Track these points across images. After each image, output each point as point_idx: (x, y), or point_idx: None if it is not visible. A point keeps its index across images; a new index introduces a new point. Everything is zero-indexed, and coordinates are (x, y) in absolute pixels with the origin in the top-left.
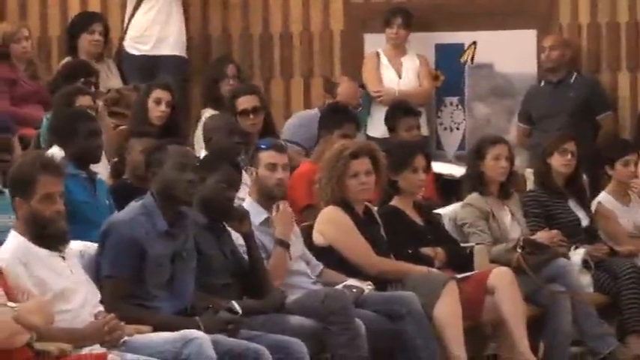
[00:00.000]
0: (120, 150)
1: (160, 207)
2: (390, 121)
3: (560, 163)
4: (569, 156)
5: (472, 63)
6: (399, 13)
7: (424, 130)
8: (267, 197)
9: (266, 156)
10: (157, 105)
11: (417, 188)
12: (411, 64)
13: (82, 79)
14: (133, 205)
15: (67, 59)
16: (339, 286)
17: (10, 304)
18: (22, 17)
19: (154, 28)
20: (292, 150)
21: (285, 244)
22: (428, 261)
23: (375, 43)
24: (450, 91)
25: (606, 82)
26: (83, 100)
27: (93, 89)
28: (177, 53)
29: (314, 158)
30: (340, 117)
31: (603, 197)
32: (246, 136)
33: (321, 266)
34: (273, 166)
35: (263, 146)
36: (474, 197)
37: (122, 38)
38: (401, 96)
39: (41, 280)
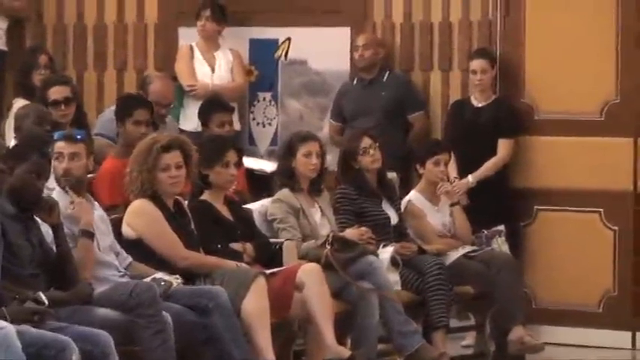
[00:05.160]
0: None
1: None
2: (203, 115)
3: (367, 162)
4: (372, 151)
5: (286, 59)
6: (209, 6)
7: (237, 125)
8: (60, 187)
9: (56, 146)
10: None
11: (227, 183)
12: (224, 58)
13: None
14: None
15: None
16: (148, 279)
17: None
18: None
19: None
20: (102, 142)
21: (90, 235)
22: (237, 256)
23: (189, 36)
24: (264, 87)
25: (419, 82)
26: None
27: None
28: None
29: (115, 153)
30: (130, 105)
31: (413, 196)
32: (57, 127)
33: (129, 259)
34: (60, 155)
35: (56, 137)
36: (284, 193)
37: None
38: (214, 90)
39: None
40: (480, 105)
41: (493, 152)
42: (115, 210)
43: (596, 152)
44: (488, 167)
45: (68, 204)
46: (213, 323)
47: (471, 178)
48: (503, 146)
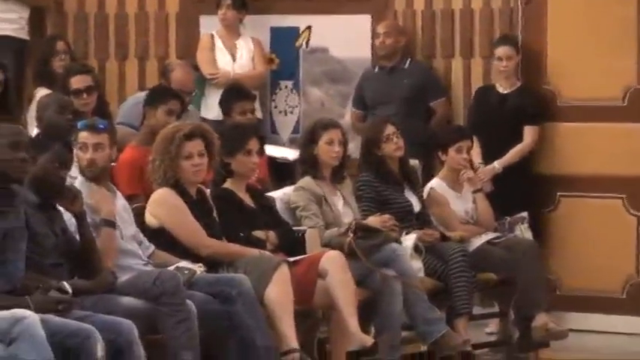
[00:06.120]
0: None
1: None
2: (225, 104)
3: (390, 149)
4: (395, 139)
5: (307, 47)
6: None
7: (258, 114)
8: (84, 177)
9: (80, 136)
10: None
11: (250, 171)
12: (245, 46)
13: None
14: None
15: None
16: (171, 268)
17: None
18: None
19: None
20: (125, 131)
21: (111, 224)
22: (260, 244)
23: (210, 24)
24: (285, 75)
25: (440, 69)
26: None
27: None
28: (17, 35)
29: (138, 141)
30: (166, 93)
31: (435, 183)
32: (79, 115)
33: (152, 247)
34: (84, 146)
35: (79, 127)
36: (306, 181)
37: None
38: (236, 79)
39: None
40: (505, 92)
41: (517, 139)
42: (136, 200)
43: (619, 138)
44: (513, 154)
45: (90, 193)
46: (236, 311)
47: (497, 165)
48: (529, 133)
